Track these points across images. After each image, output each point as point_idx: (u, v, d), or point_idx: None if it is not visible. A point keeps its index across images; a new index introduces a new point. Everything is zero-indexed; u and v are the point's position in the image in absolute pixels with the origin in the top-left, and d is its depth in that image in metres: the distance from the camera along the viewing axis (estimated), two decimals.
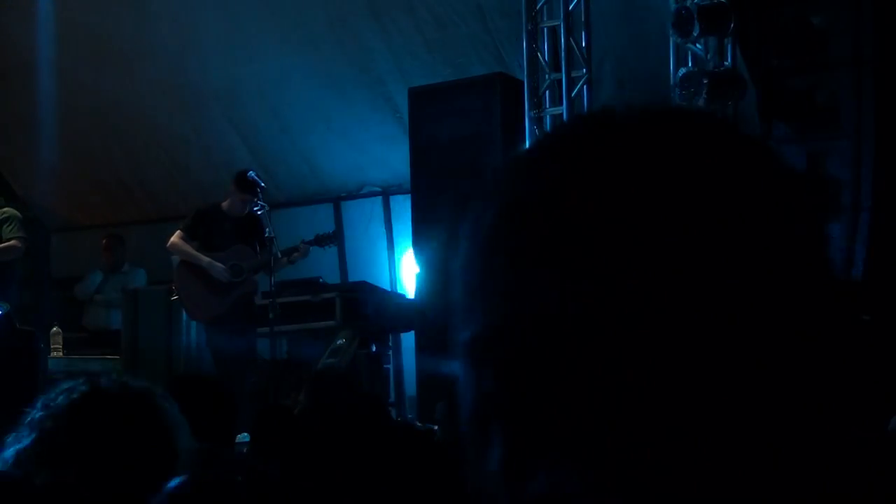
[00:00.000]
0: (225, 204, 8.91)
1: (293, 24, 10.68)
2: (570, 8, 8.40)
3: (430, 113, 9.09)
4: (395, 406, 10.10)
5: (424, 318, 8.61)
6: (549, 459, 0.80)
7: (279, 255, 8.52)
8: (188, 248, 8.89)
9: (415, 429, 3.20)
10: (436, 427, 5.42)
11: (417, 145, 9.15)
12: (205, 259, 8.81)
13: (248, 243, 8.85)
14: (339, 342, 8.66)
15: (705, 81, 7.96)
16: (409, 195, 9.34)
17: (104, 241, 11.29)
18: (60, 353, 9.90)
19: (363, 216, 11.40)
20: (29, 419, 1.83)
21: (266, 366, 9.61)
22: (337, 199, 11.51)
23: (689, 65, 8.21)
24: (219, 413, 4.08)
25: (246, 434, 5.61)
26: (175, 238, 8.97)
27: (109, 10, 11.26)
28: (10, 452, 1.79)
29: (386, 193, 11.22)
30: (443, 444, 4.42)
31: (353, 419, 4.20)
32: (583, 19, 8.43)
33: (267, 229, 8.51)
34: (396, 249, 10.98)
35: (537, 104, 8.54)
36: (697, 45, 8.15)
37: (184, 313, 9.36)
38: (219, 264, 8.78)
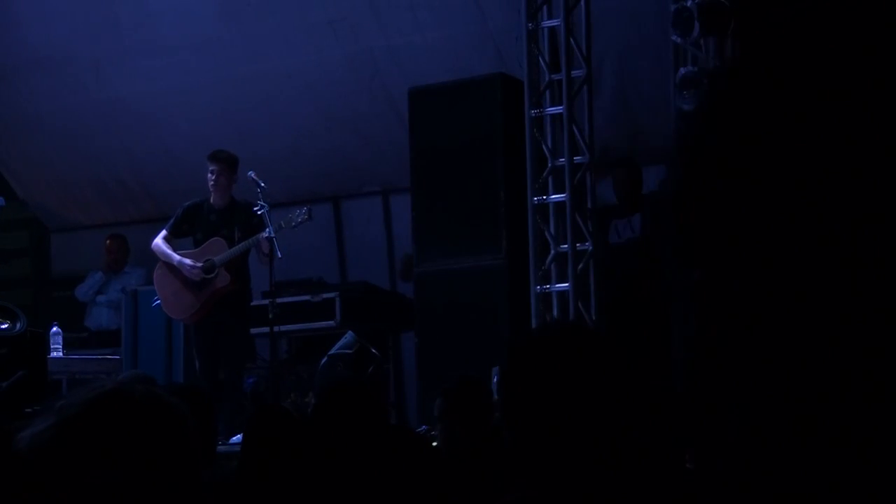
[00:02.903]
0: (212, 196, 8.82)
1: (293, 23, 10.67)
2: (571, 8, 8.40)
3: (430, 113, 9.09)
4: (395, 407, 10.10)
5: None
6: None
7: (279, 254, 8.44)
8: (163, 248, 8.77)
9: (413, 433, 3.22)
10: (433, 431, 5.41)
11: (417, 145, 9.14)
12: (175, 257, 8.70)
13: (227, 235, 8.67)
14: (341, 343, 8.65)
15: (705, 81, 7.96)
16: (409, 195, 9.33)
17: (107, 242, 11.29)
18: (60, 353, 9.89)
19: (363, 216, 11.39)
20: (52, 404, 1.83)
21: (266, 366, 9.60)
22: (336, 198, 11.50)
23: (689, 65, 8.20)
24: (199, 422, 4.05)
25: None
26: (156, 238, 8.88)
27: (110, 9, 11.27)
28: (27, 432, 1.79)
29: (386, 193, 11.21)
30: (439, 447, 4.42)
31: (357, 425, 4.19)
32: (583, 19, 8.43)
33: (268, 229, 8.45)
34: (396, 249, 10.97)
35: (537, 104, 8.53)
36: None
37: None
38: (188, 262, 8.62)
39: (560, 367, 2.01)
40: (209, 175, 8.74)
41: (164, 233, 8.86)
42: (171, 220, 8.90)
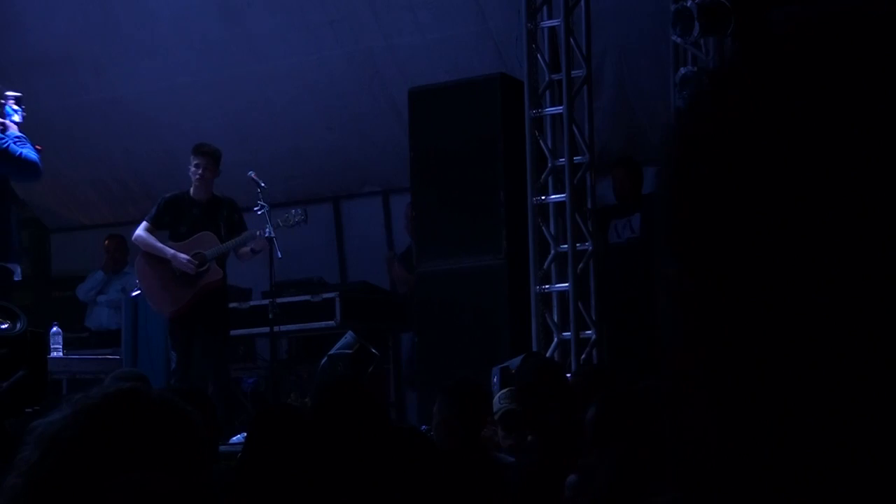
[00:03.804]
0: (192, 189, 8.74)
1: (293, 23, 10.68)
2: (571, 8, 8.40)
3: (430, 113, 9.08)
4: (394, 407, 10.10)
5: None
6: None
7: (279, 254, 8.43)
8: (151, 241, 8.63)
9: (415, 432, 3.23)
10: (432, 432, 5.41)
11: (417, 145, 9.14)
12: (168, 251, 8.54)
13: (213, 229, 8.58)
14: (341, 343, 8.65)
15: (705, 81, 7.96)
16: (409, 195, 9.34)
17: (106, 242, 11.30)
18: (60, 353, 9.89)
19: (363, 216, 11.40)
20: (70, 398, 1.83)
21: (266, 366, 9.60)
22: (336, 198, 11.51)
23: (689, 65, 8.21)
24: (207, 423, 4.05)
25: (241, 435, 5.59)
26: (139, 230, 8.71)
27: (110, 9, 11.28)
28: (40, 422, 1.79)
29: (386, 193, 11.22)
30: (440, 447, 4.42)
31: (358, 424, 4.19)
32: (583, 19, 8.43)
33: (268, 228, 8.45)
34: (396, 249, 10.98)
35: (537, 104, 8.54)
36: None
37: None
38: (183, 255, 8.49)
39: None
40: (193, 168, 8.61)
41: (145, 224, 8.70)
42: (153, 212, 8.74)
